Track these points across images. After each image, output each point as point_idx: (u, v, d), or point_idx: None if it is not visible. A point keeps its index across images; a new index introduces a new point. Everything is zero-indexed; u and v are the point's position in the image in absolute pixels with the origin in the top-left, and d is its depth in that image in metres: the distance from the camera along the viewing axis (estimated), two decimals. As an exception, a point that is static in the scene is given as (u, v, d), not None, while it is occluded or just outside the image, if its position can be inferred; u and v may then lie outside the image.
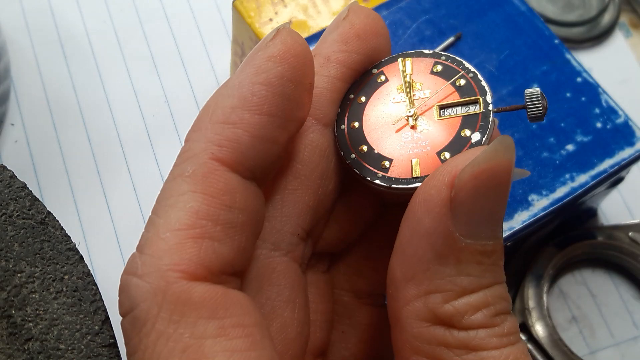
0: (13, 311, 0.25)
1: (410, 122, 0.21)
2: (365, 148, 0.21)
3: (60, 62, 0.40)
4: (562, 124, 0.30)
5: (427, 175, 0.19)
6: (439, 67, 0.22)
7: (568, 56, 0.32)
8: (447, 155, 0.20)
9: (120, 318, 0.18)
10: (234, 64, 0.38)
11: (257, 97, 0.19)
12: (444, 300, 0.18)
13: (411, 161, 0.20)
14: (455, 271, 0.18)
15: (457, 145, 0.20)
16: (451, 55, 0.22)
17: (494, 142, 0.17)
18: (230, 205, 0.18)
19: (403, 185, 0.20)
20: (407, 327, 0.18)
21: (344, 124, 0.22)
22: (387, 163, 0.21)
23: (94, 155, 0.37)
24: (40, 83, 0.39)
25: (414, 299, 0.18)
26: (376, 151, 0.21)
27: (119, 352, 0.26)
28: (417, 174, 0.20)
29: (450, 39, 0.31)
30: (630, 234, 0.35)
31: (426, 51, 0.22)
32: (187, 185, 0.18)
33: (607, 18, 0.43)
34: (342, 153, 0.21)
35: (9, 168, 0.28)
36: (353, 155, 0.21)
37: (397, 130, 0.21)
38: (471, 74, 0.21)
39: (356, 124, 0.22)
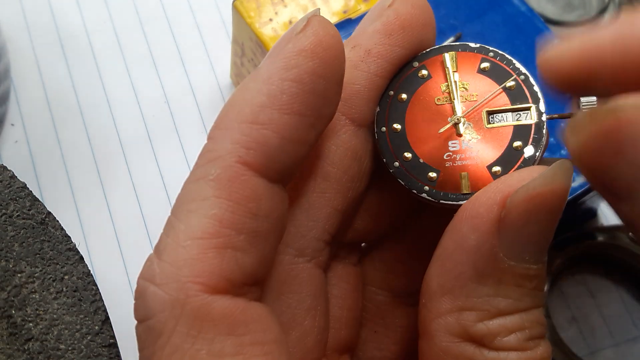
0: (13, 311, 0.25)
1: (458, 130, 0.20)
2: (409, 155, 0.20)
3: (60, 62, 0.40)
4: (562, 124, 0.30)
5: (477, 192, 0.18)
6: (487, 65, 0.20)
7: (568, 56, 0.32)
8: (498, 169, 0.19)
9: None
10: (234, 64, 0.38)
11: (286, 95, 0.18)
12: (477, 319, 0.17)
13: (460, 175, 0.19)
14: (493, 291, 0.17)
15: (509, 159, 0.19)
16: (499, 52, 0.21)
17: (553, 166, 0.17)
18: (255, 212, 0.17)
19: (452, 201, 0.19)
20: (436, 339, 0.18)
21: (384, 126, 0.21)
22: (433, 174, 0.20)
23: (94, 155, 0.37)
24: (40, 83, 0.39)
25: (447, 313, 0.18)
26: (421, 160, 0.20)
27: (118, 352, 0.26)
28: (466, 189, 0.19)
29: (450, 39, 0.31)
30: (630, 234, 0.35)
31: (472, 44, 0.21)
32: (210, 189, 0.17)
33: (607, 18, 0.43)
34: (385, 160, 0.20)
35: (9, 168, 0.28)
36: (397, 164, 0.20)
37: (443, 137, 0.20)
38: (522, 76, 0.20)
39: (398, 127, 0.20)
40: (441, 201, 0.19)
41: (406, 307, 0.23)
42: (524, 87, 0.20)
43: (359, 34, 0.21)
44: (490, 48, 0.21)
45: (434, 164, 0.20)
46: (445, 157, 0.20)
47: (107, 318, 0.26)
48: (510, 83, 0.20)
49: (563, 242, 0.35)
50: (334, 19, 0.32)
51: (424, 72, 0.21)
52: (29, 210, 0.27)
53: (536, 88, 0.20)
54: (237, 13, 0.33)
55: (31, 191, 0.28)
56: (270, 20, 0.32)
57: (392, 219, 0.22)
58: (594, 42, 0.18)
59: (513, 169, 0.19)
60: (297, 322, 0.20)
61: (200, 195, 0.17)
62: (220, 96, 0.39)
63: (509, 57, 0.20)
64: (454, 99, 0.20)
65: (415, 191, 0.20)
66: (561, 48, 0.18)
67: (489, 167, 0.19)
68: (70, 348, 0.25)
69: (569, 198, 0.29)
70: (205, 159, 0.18)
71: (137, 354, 0.35)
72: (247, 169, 0.17)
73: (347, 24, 0.32)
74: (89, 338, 0.25)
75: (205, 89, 0.39)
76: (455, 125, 0.20)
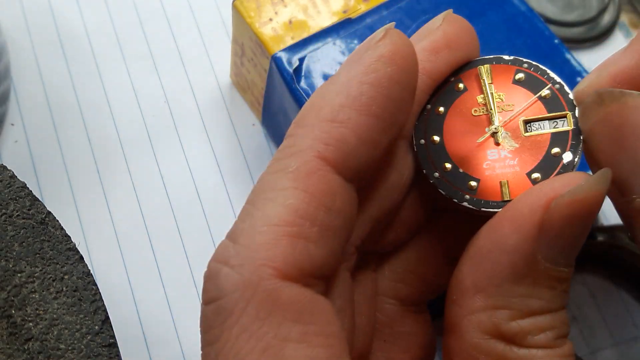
0: (13, 311, 0.25)
1: (496, 139, 0.20)
2: (449, 166, 0.20)
3: (60, 62, 0.40)
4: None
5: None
6: (522, 76, 0.21)
7: (568, 56, 0.32)
8: (537, 176, 0.19)
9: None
10: (234, 64, 0.38)
11: (365, 97, 0.18)
12: (511, 317, 0.18)
13: (500, 182, 0.20)
14: (528, 292, 0.18)
15: (548, 165, 0.20)
16: (534, 63, 0.21)
17: (598, 175, 0.17)
18: (329, 207, 0.18)
19: (494, 209, 0.20)
20: (467, 336, 0.18)
21: (423, 138, 0.21)
22: (473, 183, 0.20)
23: (94, 155, 0.37)
24: (40, 83, 0.39)
25: (480, 311, 0.18)
26: (461, 170, 0.20)
27: (118, 352, 0.26)
28: (507, 196, 0.20)
29: (450, 39, 0.31)
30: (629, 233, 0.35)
31: (506, 57, 0.21)
32: (289, 181, 0.18)
33: (607, 18, 0.43)
34: (425, 171, 0.21)
35: (9, 168, 0.28)
36: (437, 174, 0.21)
37: (482, 147, 0.20)
38: (557, 85, 0.20)
39: (436, 138, 0.21)
40: (482, 209, 0.20)
41: (414, 315, 0.23)
42: (559, 96, 0.20)
43: None
44: (524, 59, 0.21)
45: (473, 173, 0.20)
46: (484, 166, 0.20)
47: (107, 318, 0.26)
48: (545, 92, 0.20)
49: (563, 242, 0.35)
50: (334, 19, 0.32)
51: (460, 85, 0.21)
52: (29, 210, 0.27)
53: (571, 96, 0.20)
54: (237, 13, 0.33)
55: (31, 191, 0.28)
56: (270, 20, 0.33)
57: (410, 231, 0.23)
58: (620, 68, 0.19)
59: (552, 175, 0.19)
60: None
61: (279, 186, 0.18)
62: (220, 96, 0.39)
63: (543, 68, 0.21)
64: (491, 109, 0.21)
65: (456, 200, 0.20)
66: (591, 81, 0.19)
67: (529, 174, 0.20)
68: (70, 348, 0.25)
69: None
70: (284, 153, 0.18)
71: (137, 354, 0.36)
72: (324, 164, 0.18)
73: (347, 24, 0.32)
74: (89, 338, 0.25)
75: (205, 89, 0.39)
76: (494, 134, 0.20)
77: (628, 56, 0.19)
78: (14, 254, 0.26)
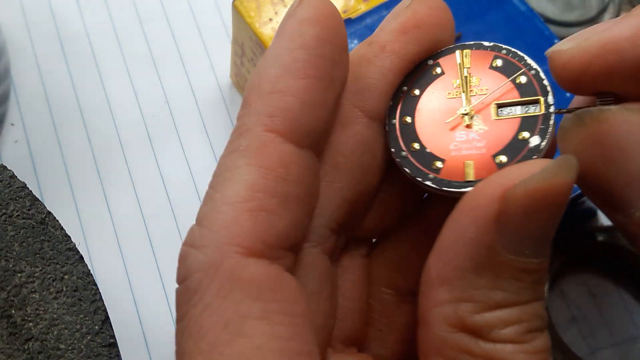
0: (13, 311, 0.25)
1: (466, 121, 0.20)
2: (416, 145, 0.20)
3: (60, 62, 0.40)
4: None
5: (481, 180, 0.18)
6: (499, 62, 0.21)
7: (568, 56, 0.32)
8: (503, 159, 0.19)
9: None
10: (234, 64, 0.38)
11: (298, 62, 0.19)
12: (474, 310, 0.17)
13: (464, 163, 0.20)
14: (491, 284, 0.17)
15: (514, 148, 0.19)
16: (512, 50, 0.21)
17: (556, 161, 0.17)
18: (285, 177, 0.18)
19: (455, 189, 0.19)
20: (433, 328, 0.18)
21: (395, 118, 0.21)
22: (439, 163, 0.20)
23: (94, 155, 0.37)
24: (40, 83, 0.39)
25: (445, 303, 0.18)
26: (428, 149, 0.20)
27: (118, 352, 0.26)
28: (470, 177, 0.19)
29: (450, 39, 0.31)
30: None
31: (486, 43, 0.21)
32: (242, 158, 0.18)
33: (607, 18, 0.43)
34: (393, 150, 0.21)
35: (9, 168, 0.28)
36: (404, 153, 0.20)
37: (451, 129, 0.20)
38: (533, 71, 0.20)
39: (408, 119, 0.21)
40: (444, 188, 0.20)
41: (410, 306, 0.23)
42: (534, 81, 0.20)
43: (376, 33, 0.21)
44: (504, 46, 0.21)
45: (440, 154, 0.20)
46: (451, 147, 0.20)
47: (107, 318, 0.26)
48: (520, 77, 0.20)
49: (563, 242, 0.35)
50: (334, 19, 0.32)
51: (438, 69, 0.21)
52: (29, 210, 0.27)
53: (546, 82, 0.20)
54: (237, 13, 0.33)
55: (31, 191, 0.28)
56: (270, 20, 0.33)
57: (399, 216, 0.23)
58: (611, 37, 0.18)
59: (517, 159, 0.19)
60: None
61: (233, 165, 0.18)
62: (220, 96, 0.39)
63: (521, 54, 0.21)
64: (463, 91, 0.21)
65: (419, 179, 0.20)
66: (577, 43, 0.19)
67: (494, 156, 0.19)
68: (70, 348, 0.25)
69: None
70: (235, 134, 0.19)
71: (137, 354, 0.36)
72: (275, 136, 0.18)
73: (347, 24, 0.32)
74: (89, 338, 0.25)
75: (205, 89, 0.39)
76: (463, 116, 0.20)
77: (623, 27, 0.18)
78: (14, 254, 0.26)
